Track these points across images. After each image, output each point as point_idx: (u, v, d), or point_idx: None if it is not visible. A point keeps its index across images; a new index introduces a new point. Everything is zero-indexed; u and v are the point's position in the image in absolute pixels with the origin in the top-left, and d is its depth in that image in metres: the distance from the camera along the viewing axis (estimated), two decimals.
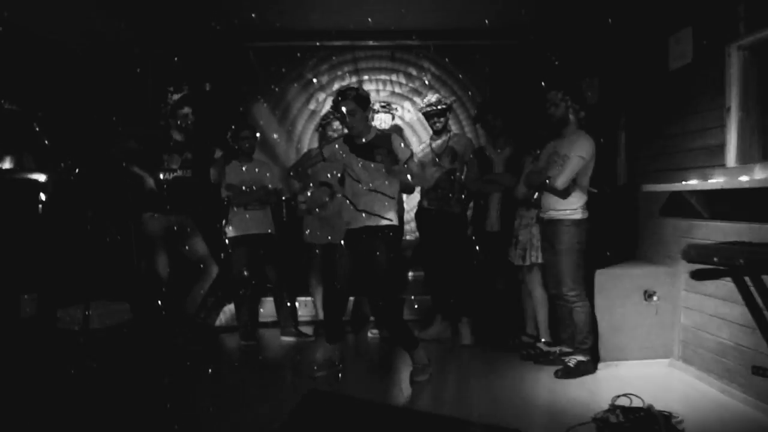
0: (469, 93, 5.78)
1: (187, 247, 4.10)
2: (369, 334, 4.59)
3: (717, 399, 3.11)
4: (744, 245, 2.57)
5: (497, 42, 5.55)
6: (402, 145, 3.49)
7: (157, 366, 3.68)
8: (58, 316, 3.75)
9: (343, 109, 3.41)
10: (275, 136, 5.77)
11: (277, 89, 5.71)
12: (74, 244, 3.84)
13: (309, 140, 5.75)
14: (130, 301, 4.28)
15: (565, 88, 3.55)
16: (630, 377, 3.42)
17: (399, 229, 3.59)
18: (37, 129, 3.79)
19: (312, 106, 5.80)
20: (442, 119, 4.35)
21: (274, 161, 5.53)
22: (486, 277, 4.45)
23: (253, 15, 4.68)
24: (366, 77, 5.81)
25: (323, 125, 4.60)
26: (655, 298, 3.62)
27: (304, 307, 4.99)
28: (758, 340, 2.79)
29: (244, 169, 4.42)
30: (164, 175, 4.01)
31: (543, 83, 3.75)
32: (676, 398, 3.08)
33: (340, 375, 3.56)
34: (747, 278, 2.52)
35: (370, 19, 4.84)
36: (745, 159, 3.14)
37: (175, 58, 4.86)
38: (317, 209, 4.49)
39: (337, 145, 3.59)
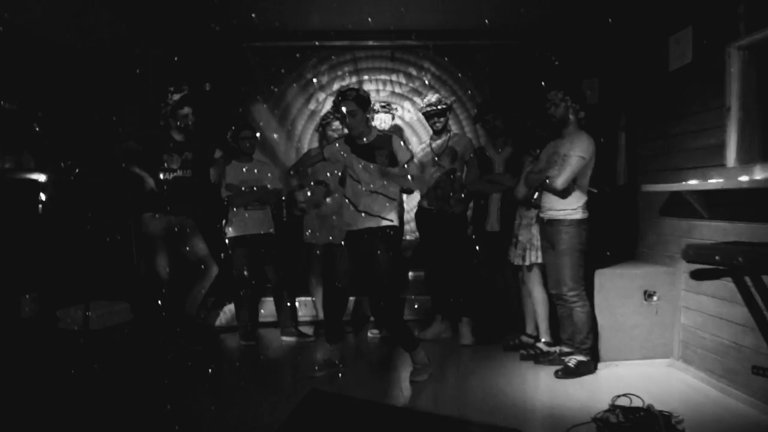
0: (469, 93, 5.78)
1: (187, 248, 4.10)
2: (369, 334, 4.59)
3: (717, 399, 3.11)
4: (744, 245, 2.57)
5: (497, 42, 5.54)
6: (402, 147, 3.49)
7: (157, 366, 3.69)
8: (58, 316, 3.75)
9: (344, 109, 3.41)
10: (275, 136, 5.77)
11: (277, 89, 5.71)
12: (74, 244, 3.84)
13: (309, 140, 5.75)
14: (130, 301, 4.28)
15: (565, 88, 3.55)
16: (630, 377, 3.42)
17: (399, 229, 3.59)
18: (37, 129, 3.79)
19: (312, 106, 5.80)
20: (442, 119, 4.35)
21: (274, 161, 5.52)
22: (486, 276, 4.45)
23: (252, 15, 4.67)
24: (366, 77, 5.81)
25: (323, 125, 4.60)
26: (655, 298, 3.63)
27: (304, 307, 4.99)
28: (758, 340, 2.80)
29: (244, 169, 4.42)
30: (164, 175, 4.01)
31: (543, 83, 3.75)
32: (676, 398, 3.08)
33: (340, 375, 3.56)
34: (747, 278, 2.52)
35: (370, 19, 4.83)
36: (745, 159, 3.14)
37: (175, 58, 4.86)
38: (314, 207, 4.50)
39: (338, 145, 3.59)
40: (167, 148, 4.03)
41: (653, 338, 3.64)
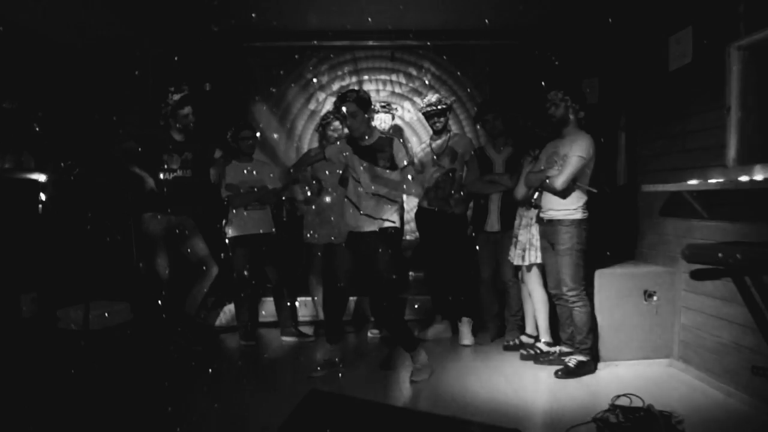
0: (469, 93, 5.78)
1: (187, 248, 4.10)
2: (369, 334, 4.59)
3: (717, 399, 3.11)
4: (744, 245, 2.57)
5: (497, 42, 5.54)
6: (402, 150, 3.47)
7: (157, 366, 3.69)
8: (58, 316, 3.75)
9: (344, 110, 3.41)
10: (275, 136, 5.77)
11: (277, 89, 5.71)
12: (74, 244, 3.84)
13: (309, 140, 5.75)
14: (130, 301, 4.28)
15: (565, 88, 3.55)
16: (630, 377, 3.42)
17: (399, 229, 3.59)
18: (37, 129, 3.79)
19: (312, 106, 5.80)
20: (442, 119, 4.35)
21: (274, 161, 5.53)
22: (485, 277, 4.44)
23: (253, 15, 4.67)
24: (366, 77, 5.81)
25: (323, 125, 4.59)
26: (655, 298, 3.63)
27: (304, 307, 4.99)
28: (758, 340, 2.80)
29: (244, 169, 4.42)
30: (164, 175, 4.01)
31: (543, 83, 3.75)
32: (676, 398, 3.08)
33: (340, 375, 3.56)
34: (747, 278, 2.52)
35: (369, 19, 4.83)
36: (745, 159, 3.14)
37: (175, 58, 4.86)
38: (305, 204, 4.51)
39: (340, 146, 3.59)
40: (167, 148, 4.03)
41: (653, 338, 3.64)
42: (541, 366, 3.70)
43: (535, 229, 3.83)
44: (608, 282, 3.63)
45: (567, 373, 3.49)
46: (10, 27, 3.69)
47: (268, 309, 4.91)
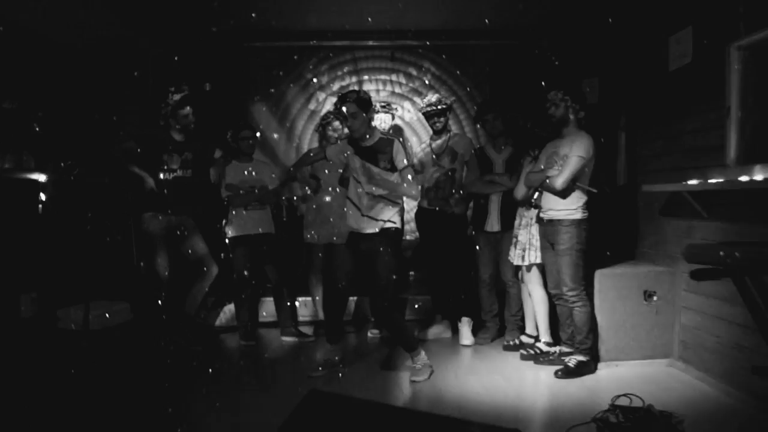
0: (469, 92, 5.78)
1: (187, 248, 4.10)
2: (369, 334, 4.58)
3: (717, 399, 3.11)
4: (744, 245, 2.57)
5: (497, 42, 5.54)
6: (401, 153, 3.46)
7: (157, 366, 3.69)
8: (58, 316, 3.75)
9: (345, 111, 3.41)
10: (275, 136, 5.77)
11: (277, 89, 5.71)
12: (74, 244, 3.84)
13: (309, 140, 5.75)
14: (130, 301, 4.28)
15: (565, 88, 3.55)
16: (630, 377, 3.42)
17: (400, 229, 3.60)
18: (37, 129, 3.79)
19: (312, 106, 5.80)
20: (442, 119, 4.35)
21: (274, 161, 5.53)
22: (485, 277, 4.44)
23: (253, 15, 4.67)
24: (366, 77, 5.81)
25: (323, 125, 4.60)
26: (655, 298, 3.63)
27: (304, 307, 4.99)
28: (758, 340, 2.79)
29: (244, 169, 4.42)
30: (164, 175, 4.01)
31: (543, 83, 3.75)
32: (676, 398, 3.08)
33: (340, 375, 3.56)
34: (747, 278, 2.52)
35: (369, 19, 4.83)
36: (745, 159, 3.14)
37: (175, 58, 4.86)
38: (302, 201, 4.51)
39: (341, 146, 3.59)
40: (167, 148, 4.03)
41: (653, 338, 3.64)
42: (541, 366, 3.70)
43: (534, 229, 3.83)
44: (608, 282, 3.63)
45: (567, 373, 3.49)
46: (10, 27, 3.69)
47: (268, 309, 4.91)
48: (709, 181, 3.21)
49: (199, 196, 4.21)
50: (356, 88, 5.43)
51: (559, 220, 3.53)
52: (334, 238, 4.43)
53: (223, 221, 4.48)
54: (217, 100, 4.87)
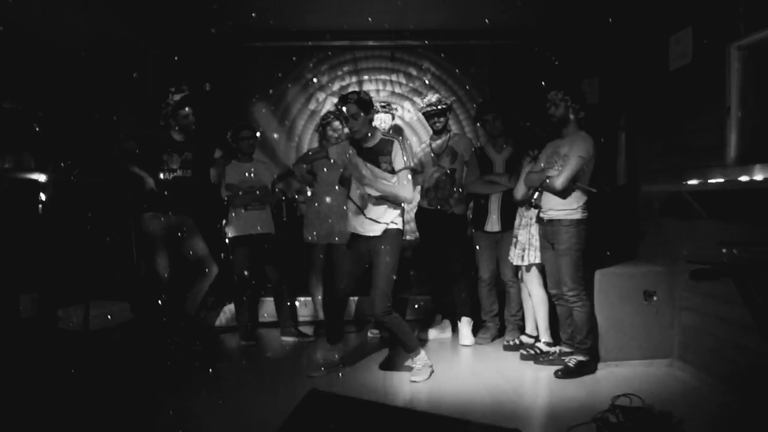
0: (469, 92, 5.78)
1: (187, 248, 4.10)
2: (369, 334, 4.59)
3: (717, 399, 3.11)
4: (744, 245, 2.57)
5: (497, 42, 5.54)
6: (400, 155, 3.44)
7: (157, 366, 3.69)
8: (58, 316, 3.75)
9: (345, 111, 3.41)
10: (275, 136, 5.77)
11: (277, 89, 5.71)
12: (74, 244, 3.84)
13: (309, 140, 5.75)
14: (130, 301, 4.28)
15: (565, 88, 3.55)
16: (630, 377, 3.42)
17: (401, 230, 3.60)
18: (37, 129, 3.79)
19: (312, 106, 5.80)
20: (442, 119, 4.35)
21: (274, 161, 5.53)
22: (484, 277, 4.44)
23: (252, 15, 4.67)
24: (366, 77, 5.81)
25: (323, 125, 4.60)
26: (655, 298, 3.63)
27: (304, 307, 4.99)
28: (758, 340, 2.79)
29: (244, 169, 4.42)
30: (164, 175, 4.01)
31: (543, 83, 3.75)
32: (676, 398, 3.08)
33: (340, 375, 3.56)
34: (747, 278, 2.52)
35: (370, 19, 4.83)
36: (745, 159, 3.14)
37: (175, 58, 4.86)
38: (297, 193, 4.54)
39: (344, 146, 3.59)
40: (167, 148, 4.03)
41: (653, 338, 3.64)
42: (541, 366, 3.70)
43: (534, 229, 3.83)
44: (608, 282, 3.62)
45: (567, 373, 3.49)
46: (10, 27, 3.68)
47: (268, 309, 4.91)
48: (709, 181, 3.20)
49: (199, 196, 4.21)
50: (357, 88, 5.44)
51: (559, 220, 3.53)
52: (336, 239, 4.43)
53: (223, 221, 4.48)
54: (217, 100, 4.87)
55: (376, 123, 4.29)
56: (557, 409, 3.02)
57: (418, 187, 4.42)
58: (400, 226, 3.51)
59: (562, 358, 3.64)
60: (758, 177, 2.92)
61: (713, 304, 3.28)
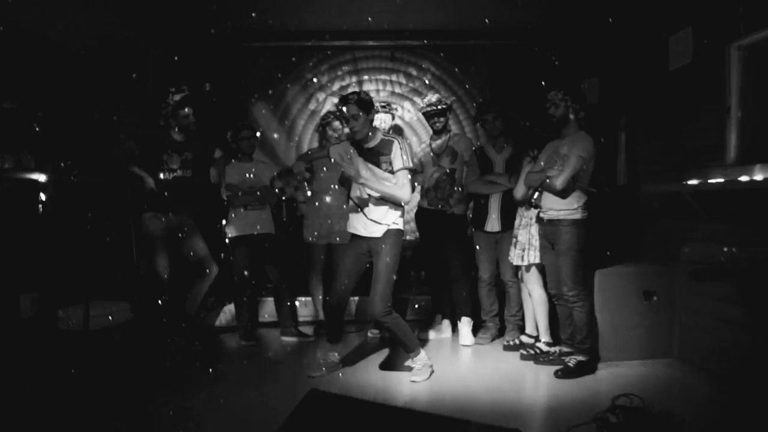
0: (469, 92, 5.78)
1: (187, 248, 4.09)
2: (369, 334, 4.58)
3: (716, 399, 3.11)
4: (744, 245, 2.57)
5: (497, 42, 5.55)
6: (398, 155, 3.44)
7: (157, 366, 3.69)
8: (58, 316, 3.75)
9: (346, 112, 3.41)
10: (275, 136, 5.77)
11: (276, 89, 5.71)
12: (74, 244, 3.84)
13: (309, 140, 5.76)
14: (130, 301, 4.28)
15: (565, 88, 3.55)
16: (630, 377, 3.42)
17: (402, 231, 3.60)
18: (37, 129, 3.79)
19: (312, 106, 5.80)
20: (442, 119, 4.35)
21: (274, 161, 5.53)
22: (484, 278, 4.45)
23: (253, 15, 4.67)
24: (366, 77, 5.82)
25: (323, 125, 4.60)
26: (655, 298, 3.63)
27: (304, 307, 4.99)
28: (758, 340, 2.80)
29: (244, 169, 4.42)
30: (164, 175, 4.01)
31: (543, 83, 3.75)
32: (676, 398, 3.08)
33: (340, 375, 3.56)
34: (747, 278, 2.52)
35: (370, 19, 4.83)
36: (745, 159, 3.14)
37: (175, 58, 4.86)
38: (296, 190, 4.55)
39: (345, 146, 3.59)
40: (167, 148, 4.03)
41: (653, 338, 3.64)
42: (541, 366, 3.70)
43: (534, 229, 3.83)
44: (608, 282, 3.63)
45: (567, 373, 3.49)
46: (10, 27, 3.68)
47: (268, 309, 4.91)
48: (709, 181, 3.21)
49: (199, 196, 4.21)
50: (357, 88, 5.44)
51: (559, 220, 3.53)
52: (338, 239, 4.43)
53: (223, 221, 4.47)
54: (217, 100, 4.87)
55: (376, 123, 4.29)
56: (557, 409, 3.02)
57: (418, 187, 4.42)
58: (400, 227, 3.51)
59: (562, 358, 3.64)
60: (758, 177, 2.93)
61: (713, 304, 3.28)
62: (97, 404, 2.99)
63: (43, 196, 3.50)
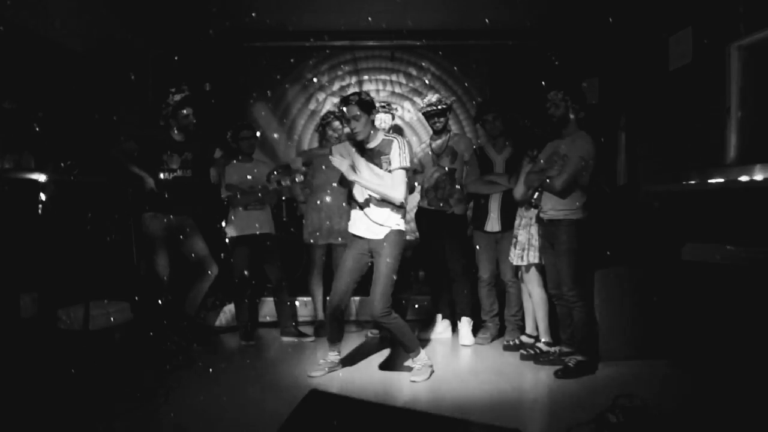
0: (468, 90, 5.79)
1: (187, 248, 4.09)
2: (369, 334, 4.58)
3: (717, 399, 3.10)
4: (744, 245, 2.57)
5: (497, 42, 5.55)
6: (397, 155, 3.43)
7: (157, 366, 3.69)
8: (58, 316, 3.75)
9: (347, 113, 3.41)
10: (275, 135, 5.78)
11: (276, 89, 5.71)
12: (74, 244, 3.84)
13: (309, 140, 5.76)
14: (130, 301, 4.28)
15: (565, 88, 3.55)
16: (630, 377, 3.42)
17: (403, 231, 3.60)
18: (37, 129, 3.79)
19: (312, 106, 5.81)
20: (442, 119, 4.35)
21: (274, 161, 5.53)
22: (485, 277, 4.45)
23: (253, 15, 4.68)
24: (366, 77, 5.82)
25: (323, 125, 4.60)
26: (654, 298, 3.62)
27: (304, 307, 4.99)
28: (757, 340, 2.80)
29: (244, 169, 4.42)
30: (164, 175, 4.01)
31: (543, 83, 3.75)
32: (676, 398, 3.08)
33: (340, 375, 3.56)
34: (747, 278, 2.52)
35: (370, 19, 4.84)
36: (745, 159, 3.15)
37: (175, 58, 4.86)
38: (293, 183, 4.54)
39: (346, 146, 3.59)
40: (167, 148, 4.03)
41: (653, 338, 3.64)
42: (541, 366, 3.70)
43: (534, 229, 3.83)
44: (608, 282, 3.63)
45: (567, 373, 3.49)
46: (10, 27, 3.69)
47: (268, 309, 4.91)
48: (709, 181, 3.21)
49: (199, 196, 4.21)
50: (357, 88, 5.44)
51: (558, 220, 3.53)
52: (339, 239, 4.43)
53: (223, 221, 4.47)
54: (217, 100, 4.87)
55: (376, 123, 4.29)
56: (557, 409, 3.02)
57: (418, 187, 4.42)
58: (402, 227, 3.51)
59: (562, 358, 3.64)
60: (758, 177, 2.93)
61: (713, 304, 3.28)
62: (97, 404, 2.99)
63: (43, 196, 3.50)
